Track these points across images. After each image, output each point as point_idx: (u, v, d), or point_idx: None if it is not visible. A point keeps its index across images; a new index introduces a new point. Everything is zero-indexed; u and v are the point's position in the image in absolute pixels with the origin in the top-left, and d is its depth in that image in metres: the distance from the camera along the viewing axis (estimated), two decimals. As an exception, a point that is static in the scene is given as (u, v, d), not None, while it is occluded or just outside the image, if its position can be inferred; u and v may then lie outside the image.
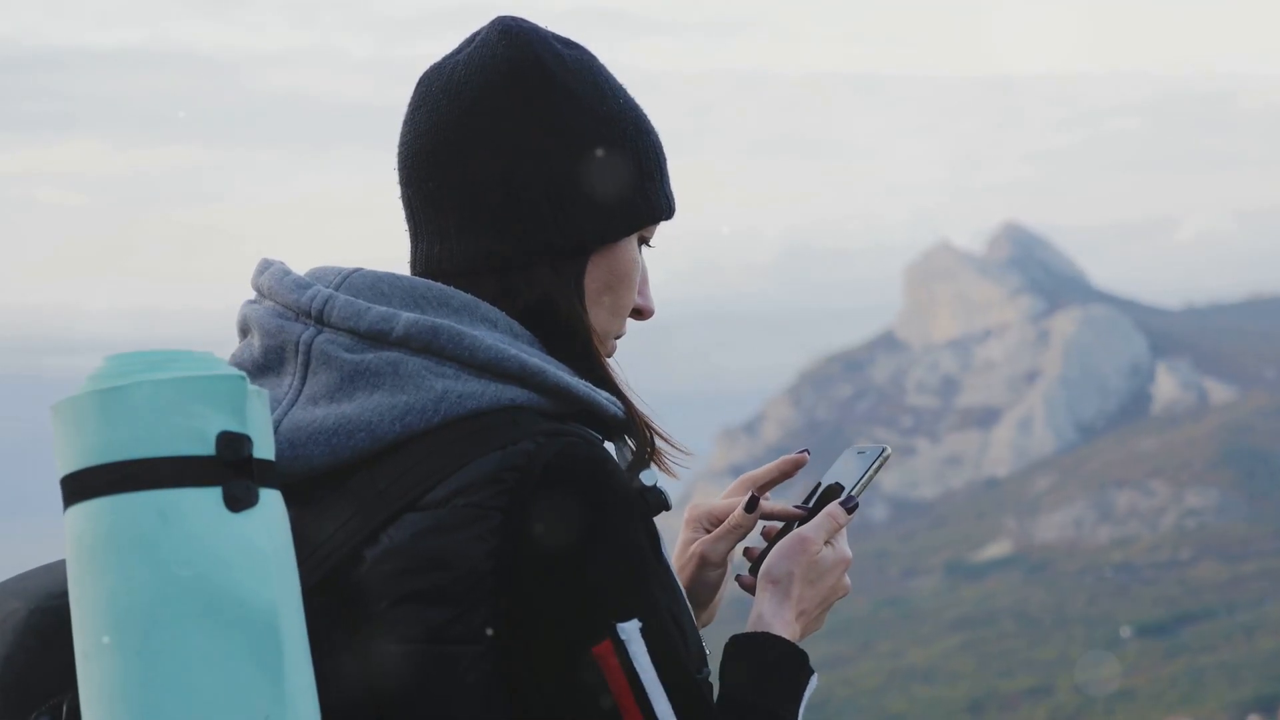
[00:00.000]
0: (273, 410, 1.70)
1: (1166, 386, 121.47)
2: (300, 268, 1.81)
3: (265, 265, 1.79)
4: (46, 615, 1.65)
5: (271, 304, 1.77)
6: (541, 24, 1.83)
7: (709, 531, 2.01)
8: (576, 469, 1.67)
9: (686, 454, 1.83)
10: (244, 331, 1.79)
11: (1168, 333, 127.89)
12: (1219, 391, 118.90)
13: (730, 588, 2.04)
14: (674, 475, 1.83)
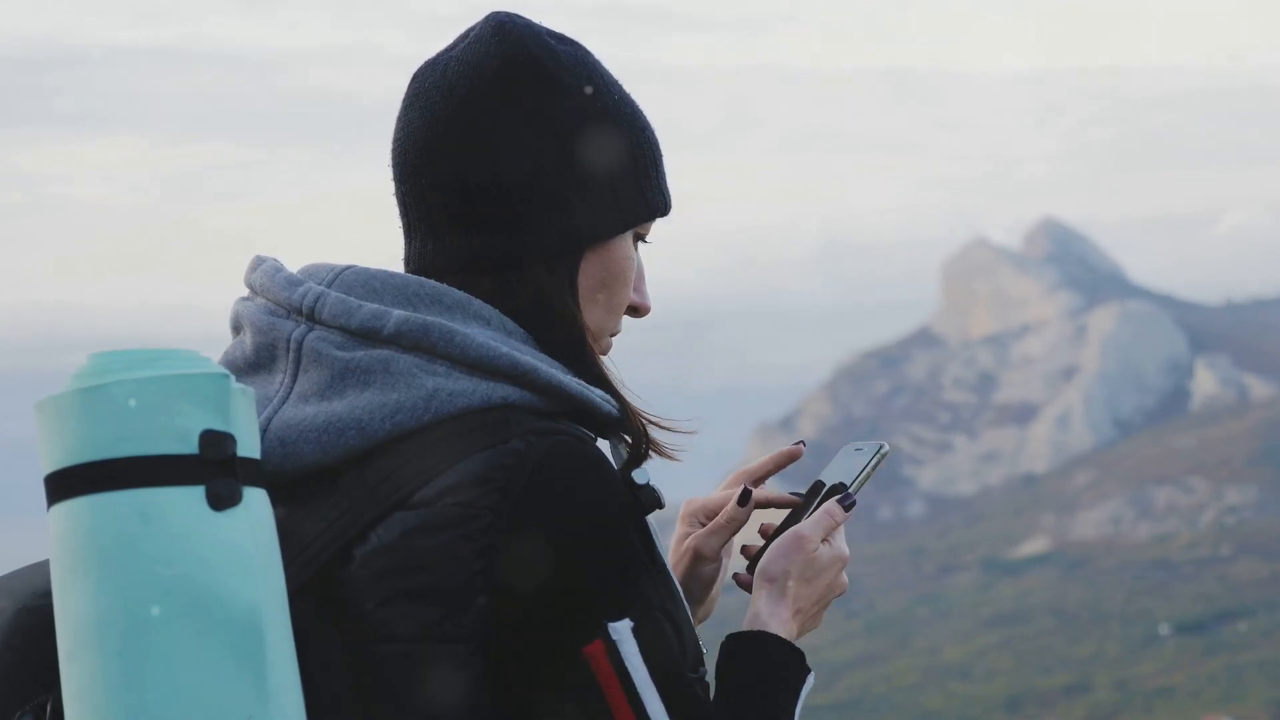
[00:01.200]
0: (264, 408, 1.70)
1: (1205, 383, 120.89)
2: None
3: (258, 262, 1.78)
4: (33, 614, 1.63)
5: (263, 301, 1.76)
6: (537, 19, 1.82)
7: (704, 526, 2.00)
8: (567, 468, 1.66)
9: (689, 433, 1.82)
10: (236, 329, 1.78)
11: (1207, 328, 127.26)
12: (1259, 387, 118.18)
13: (731, 586, 2.01)
14: (677, 459, 1.81)
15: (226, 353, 1.77)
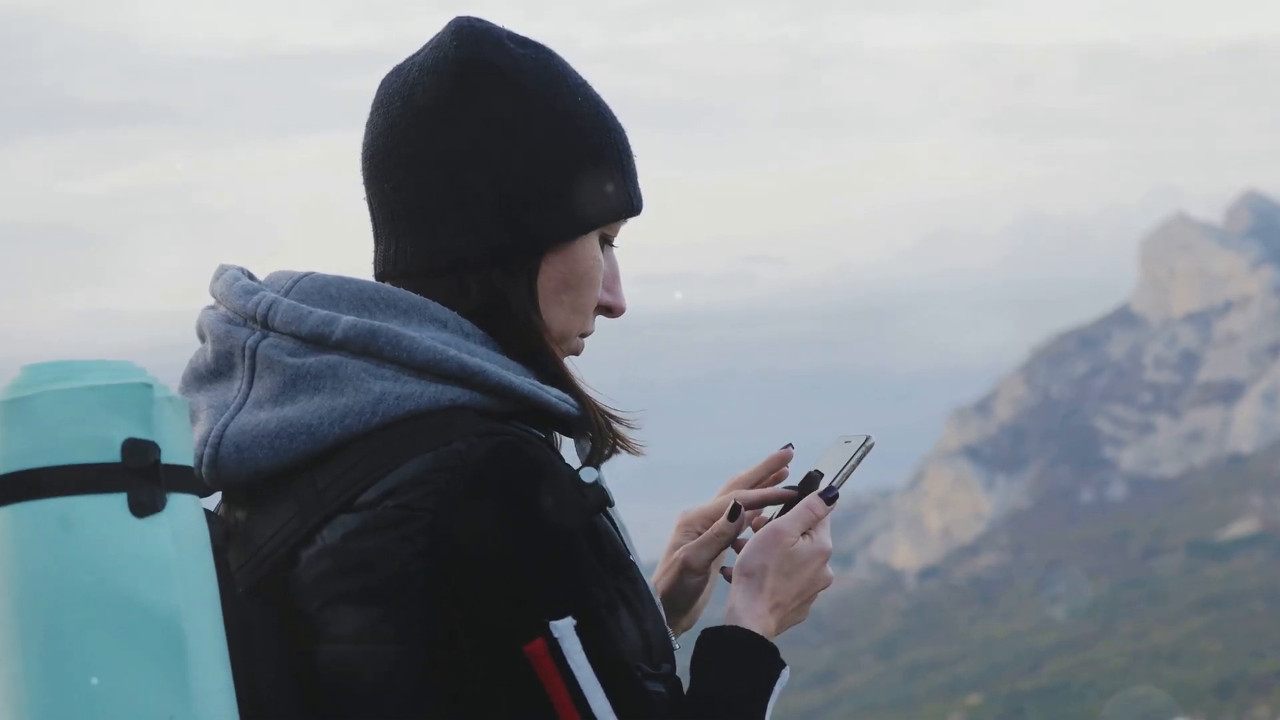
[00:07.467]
0: (221, 415, 1.75)
1: None
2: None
3: (220, 271, 1.82)
4: None
5: (224, 310, 1.80)
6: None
7: (699, 536, 1.99)
8: (508, 468, 1.67)
9: (638, 431, 1.83)
10: (201, 337, 1.82)
11: None
12: None
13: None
14: (640, 453, 1.82)
15: (190, 361, 1.81)
